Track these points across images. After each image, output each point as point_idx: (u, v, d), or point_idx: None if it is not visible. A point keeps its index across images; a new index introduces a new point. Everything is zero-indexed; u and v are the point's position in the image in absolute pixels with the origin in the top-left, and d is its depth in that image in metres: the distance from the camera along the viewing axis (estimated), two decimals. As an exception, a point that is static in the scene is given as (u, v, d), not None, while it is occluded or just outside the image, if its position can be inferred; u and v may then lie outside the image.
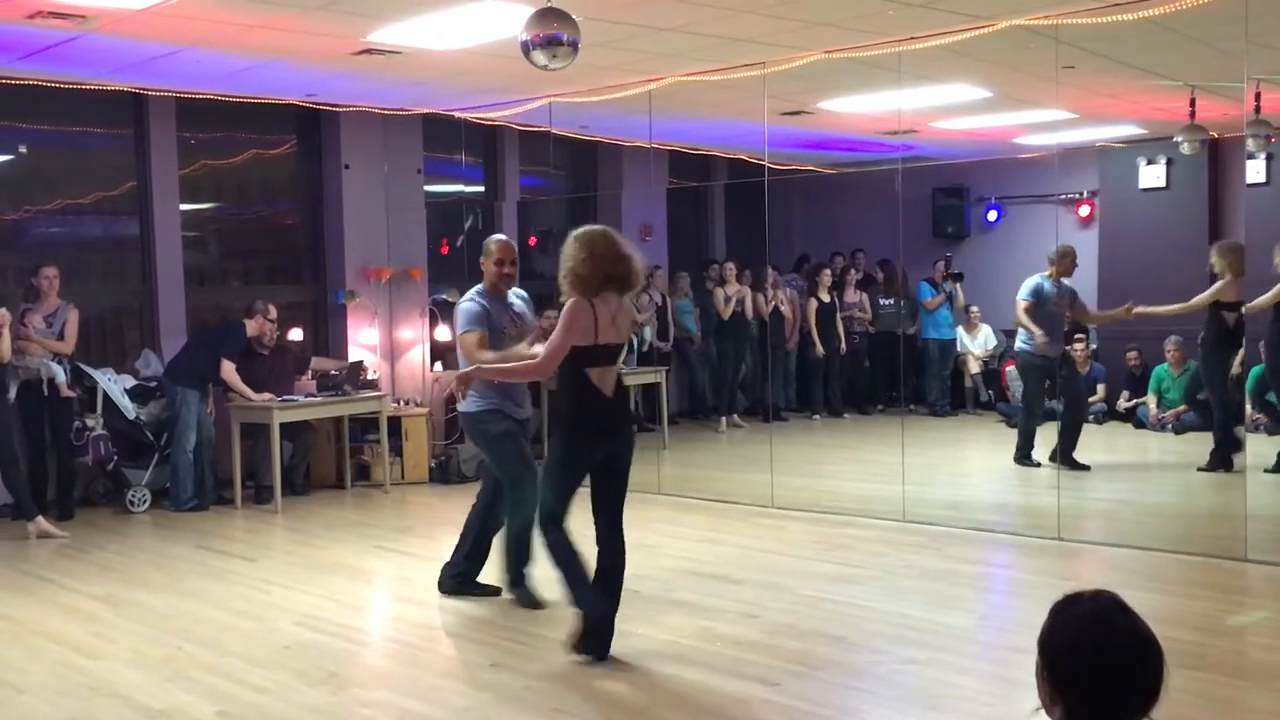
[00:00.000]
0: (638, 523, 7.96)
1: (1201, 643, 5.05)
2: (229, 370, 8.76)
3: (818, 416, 12.89)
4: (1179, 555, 6.66)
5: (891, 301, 13.23)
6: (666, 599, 6.00)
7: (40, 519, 7.83)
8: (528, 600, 5.90)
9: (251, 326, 8.98)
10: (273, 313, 9.10)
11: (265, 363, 9.11)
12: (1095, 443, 10.15)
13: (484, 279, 5.98)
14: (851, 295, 13.16)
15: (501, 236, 6.28)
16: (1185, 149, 9.95)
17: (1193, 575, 6.30)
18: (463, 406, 5.93)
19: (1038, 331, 9.03)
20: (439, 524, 8.05)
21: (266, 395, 8.84)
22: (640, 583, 6.26)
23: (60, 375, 8.26)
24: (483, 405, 5.83)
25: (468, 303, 5.87)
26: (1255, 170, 11.14)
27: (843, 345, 12.96)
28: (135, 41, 7.19)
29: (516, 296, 6.08)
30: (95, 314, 9.36)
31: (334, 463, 9.74)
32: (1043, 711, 2.07)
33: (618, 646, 5.13)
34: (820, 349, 12.80)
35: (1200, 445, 9.14)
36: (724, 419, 12.37)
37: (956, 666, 4.86)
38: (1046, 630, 2.06)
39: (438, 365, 10.91)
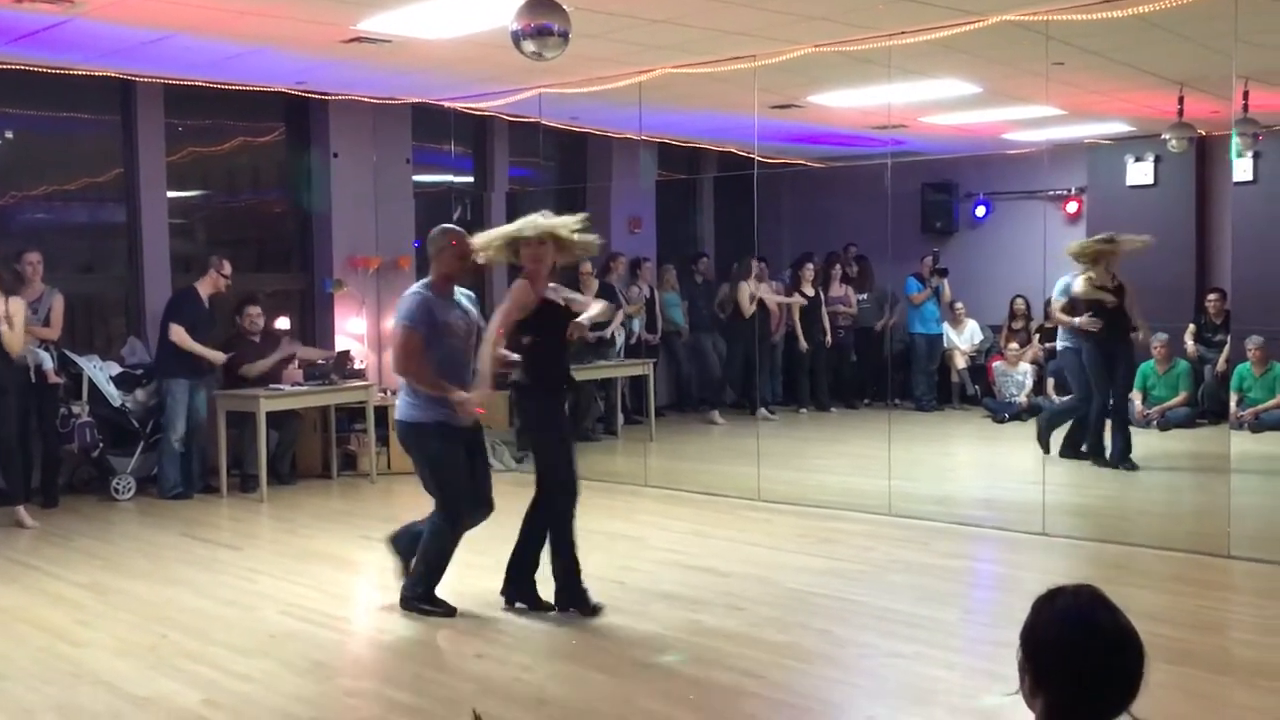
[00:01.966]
0: (625, 514, 8.01)
1: (1184, 638, 5.08)
2: (178, 333, 8.64)
3: (804, 410, 12.91)
4: (1162, 551, 6.70)
5: (865, 296, 13.28)
6: (653, 591, 6.00)
7: (20, 508, 7.79)
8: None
9: (204, 285, 8.86)
10: (226, 268, 8.89)
11: (253, 351, 9.08)
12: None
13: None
14: (836, 289, 13.16)
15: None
16: (1173, 146, 9.98)
17: (1176, 571, 6.33)
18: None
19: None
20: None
21: (218, 354, 8.77)
22: (627, 574, 6.28)
23: (47, 362, 8.22)
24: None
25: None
26: (1242, 169, 11.20)
27: (828, 339, 12.95)
28: (124, 27, 7.16)
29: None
30: (81, 301, 9.32)
31: (320, 452, 9.71)
32: (1019, 695, 2.09)
33: (604, 638, 5.15)
34: (804, 343, 12.81)
35: (1185, 442, 9.18)
36: (761, 409, 12.32)
37: (942, 660, 4.88)
38: (1029, 624, 2.08)
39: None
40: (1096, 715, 2.01)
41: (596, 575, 5.90)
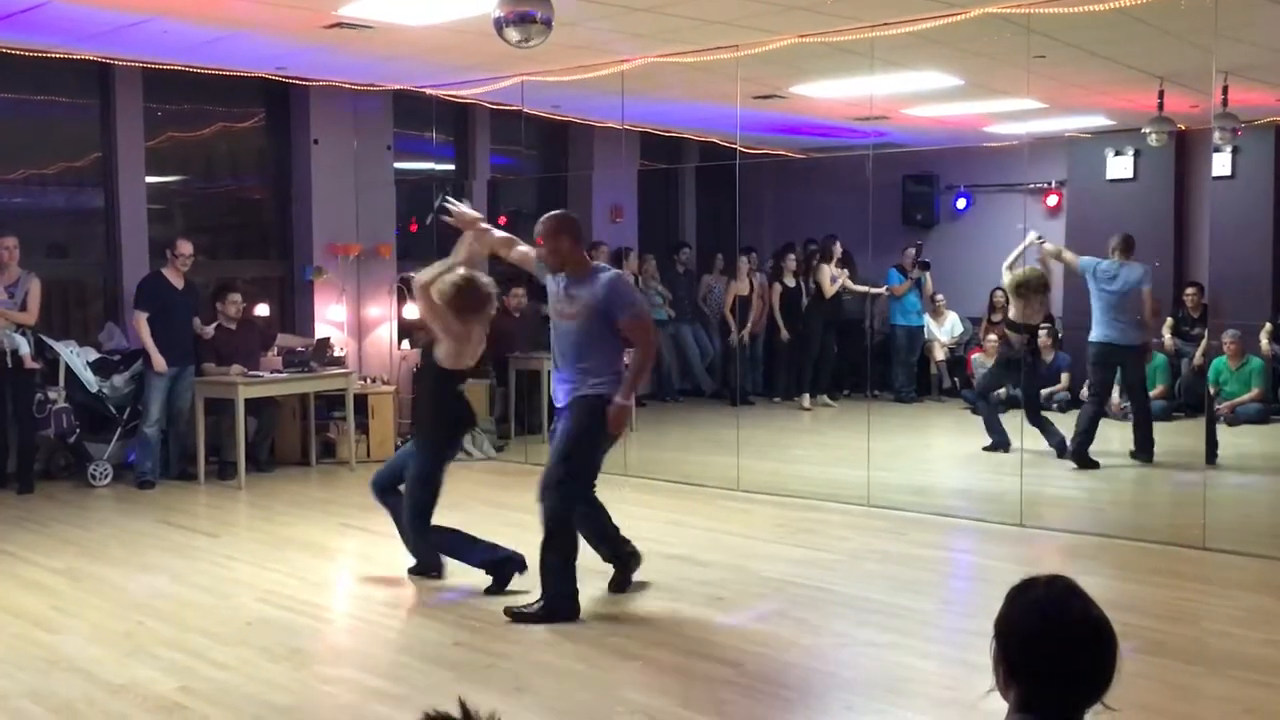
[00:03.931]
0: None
1: (1160, 629, 5.12)
2: (138, 320, 8.60)
3: (778, 399, 12.93)
4: (1139, 543, 6.74)
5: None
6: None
7: None
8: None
9: (170, 269, 8.80)
10: (180, 248, 8.76)
11: (232, 338, 9.04)
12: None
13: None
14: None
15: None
16: (1153, 141, 10.01)
17: (1152, 562, 6.37)
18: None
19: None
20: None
21: (159, 359, 8.58)
22: (605, 564, 6.28)
23: (24, 347, 8.17)
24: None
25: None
26: (1221, 163, 11.26)
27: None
28: (102, 10, 7.09)
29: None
30: (58, 286, 9.26)
31: (299, 439, 9.67)
32: (996, 693, 2.09)
33: (582, 627, 5.16)
34: (785, 334, 12.81)
35: (1159, 434, 9.22)
36: (807, 396, 12.48)
37: (918, 650, 4.90)
38: (1002, 615, 2.09)
39: (405, 343, 10.87)
40: (1070, 705, 2.02)
41: (577, 564, 5.89)
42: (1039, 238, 9.62)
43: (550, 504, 5.39)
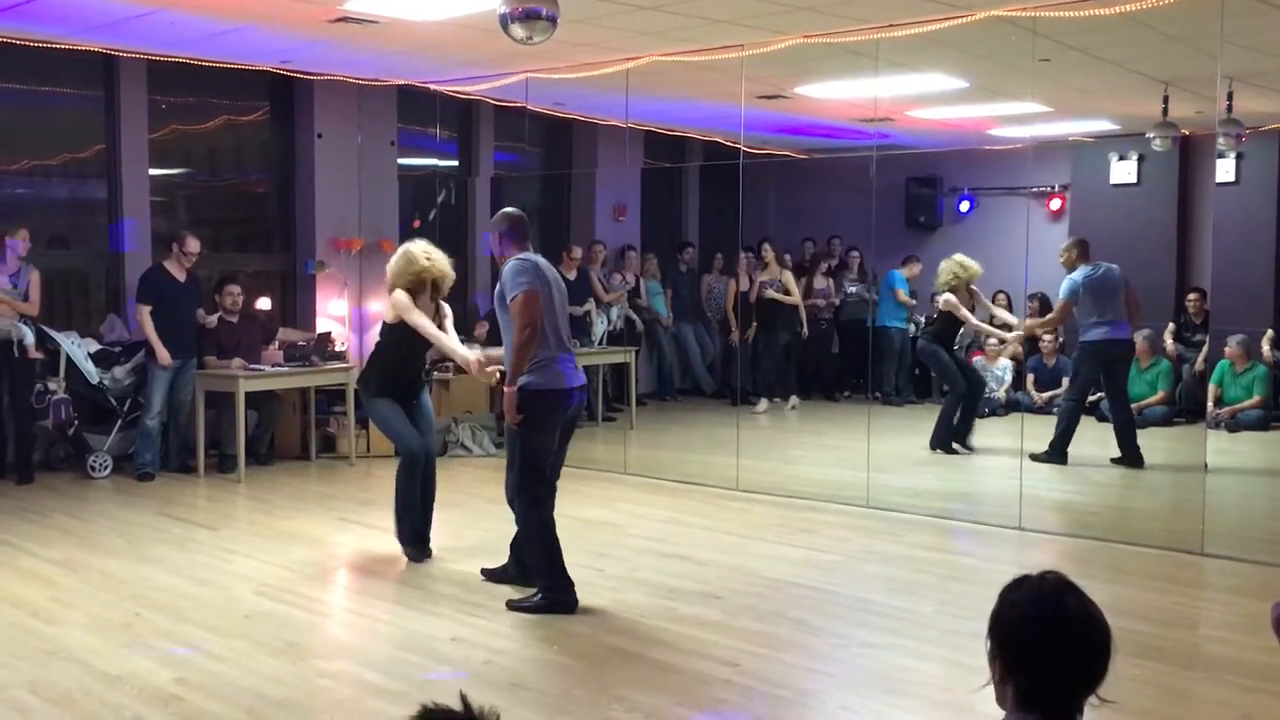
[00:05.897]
0: (604, 502, 8.02)
1: (1156, 634, 5.11)
2: (141, 314, 8.61)
3: (779, 399, 12.91)
4: (1137, 547, 6.74)
5: (853, 290, 13.20)
6: (630, 578, 6.01)
7: None
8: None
9: (172, 262, 8.79)
10: (188, 245, 8.74)
11: (233, 331, 9.05)
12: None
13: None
14: (819, 282, 13.11)
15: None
16: (1157, 146, 10.01)
17: (1150, 567, 6.37)
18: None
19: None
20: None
21: (165, 354, 8.58)
22: (604, 561, 6.29)
23: (29, 337, 8.18)
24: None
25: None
26: (1225, 169, 11.27)
27: (804, 330, 12.81)
28: (108, 1, 7.10)
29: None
30: (60, 277, 9.26)
31: (299, 434, 9.68)
32: (991, 692, 2.09)
33: (580, 625, 5.16)
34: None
35: (1160, 439, 9.23)
36: (764, 400, 12.44)
37: (916, 651, 4.90)
38: (995, 611, 2.09)
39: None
40: (1066, 698, 2.02)
41: (574, 562, 5.88)
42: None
43: (518, 509, 5.61)
